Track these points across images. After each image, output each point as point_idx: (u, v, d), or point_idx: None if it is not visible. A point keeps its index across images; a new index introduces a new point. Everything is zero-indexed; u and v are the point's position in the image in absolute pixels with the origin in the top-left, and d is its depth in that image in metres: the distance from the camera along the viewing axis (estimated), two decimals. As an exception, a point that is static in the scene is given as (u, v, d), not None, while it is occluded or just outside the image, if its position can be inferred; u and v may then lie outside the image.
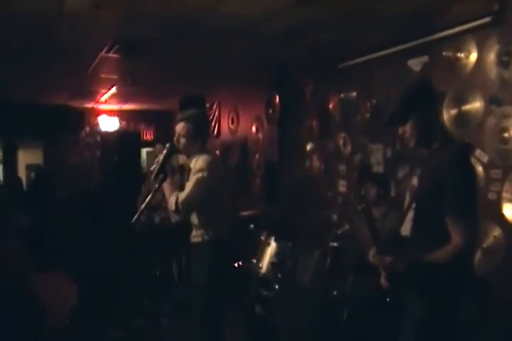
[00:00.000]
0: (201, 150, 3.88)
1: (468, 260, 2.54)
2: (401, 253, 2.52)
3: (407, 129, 2.59)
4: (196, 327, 3.96)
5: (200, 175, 3.70)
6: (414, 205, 2.65)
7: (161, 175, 3.76)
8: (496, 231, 3.84)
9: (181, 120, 3.93)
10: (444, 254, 2.40)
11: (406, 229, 2.71)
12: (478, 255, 3.82)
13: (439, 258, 2.40)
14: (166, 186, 3.75)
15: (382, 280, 2.69)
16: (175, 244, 6.52)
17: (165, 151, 3.82)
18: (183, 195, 3.69)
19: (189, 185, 3.72)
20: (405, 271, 2.45)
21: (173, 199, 3.70)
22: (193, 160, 3.82)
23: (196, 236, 3.93)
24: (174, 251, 6.62)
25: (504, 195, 3.80)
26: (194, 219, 3.93)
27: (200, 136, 3.93)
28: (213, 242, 3.84)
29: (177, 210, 3.71)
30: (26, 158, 10.83)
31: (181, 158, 6.49)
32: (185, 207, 3.70)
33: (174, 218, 5.59)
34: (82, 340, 4.78)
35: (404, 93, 2.66)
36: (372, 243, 2.59)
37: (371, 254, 2.59)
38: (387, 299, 3.48)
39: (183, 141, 3.86)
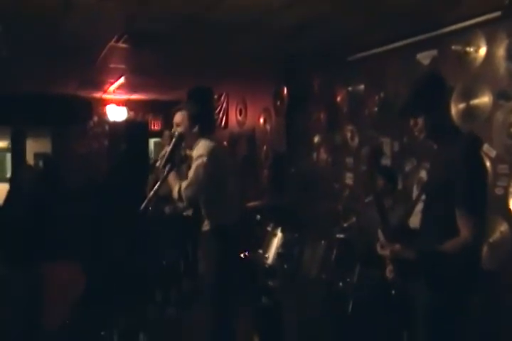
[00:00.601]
0: (201, 138, 3.87)
1: (477, 253, 2.57)
2: (410, 243, 2.55)
3: (419, 122, 2.61)
4: (205, 317, 4.03)
5: (199, 161, 3.72)
6: (423, 197, 2.67)
7: (169, 164, 3.80)
8: (503, 226, 3.86)
9: (177, 110, 3.95)
10: (452, 246, 2.43)
11: (414, 221, 2.74)
12: (484, 250, 3.81)
13: (447, 250, 2.43)
14: (171, 177, 3.77)
15: (388, 273, 2.73)
16: (183, 234, 6.57)
17: (174, 140, 3.84)
18: (184, 184, 3.73)
19: (190, 173, 3.75)
20: (413, 260, 2.49)
21: (176, 188, 3.75)
22: (195, 149, 3.84)
23: (205, 225, 3.98)
24: (181, 241, 6.67)
25: (511, 190, 3.82)
26: (202, 208, 3.99)
27: (198, 124, 3.90)
28: (218, 230, 3.89)
29: (180, 198, 3.75)
30: (35, 147, 10.86)
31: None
32: (187, 194, 3.73)
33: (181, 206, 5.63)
34: (88, 328, 4.82)
35: (416, 85, 2.69)
36: (381, 230, 2.62)
37: (379, 245, 2.62)
38: (393, 292, 3.53)
39: (179, 130, 3.84)
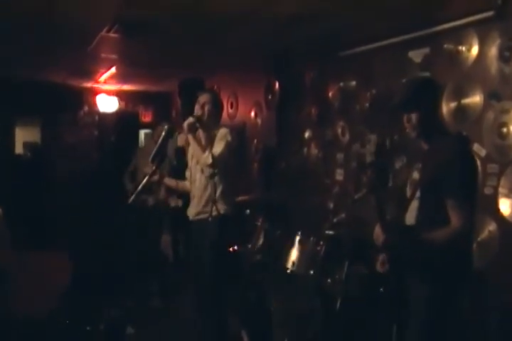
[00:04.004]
0: (219, 123, 4.21)
1: (467, 242, 2.65)
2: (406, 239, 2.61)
3: (412, 118, 2.71)
4: (196, 307, 4.12)
5: (229, 138, 3.99)
6: (418, 195, 2.74)
7: (159, 157, 3.85)
8: (491, 226, 3.88)
9: (204, 92, 4.21)
10: (440, 234, 2.55)
11: (409, 219, 2.78)
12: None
13: (436, 238, 2.55)
14: (194, 142, 3.97)
15: (379, 266, 2.81)
16: (171, 224, 6.59)
17: (163, 133, 3.91)
18: (218, 150, 3.91)
19: (219, 145, 3.96)
20: (404, 248, 2.59)
21: (207, 154, 3.88)
22: (217, 132, 4.07)
23: (202, 212, 4.05)
24: (171, 230, 6.69)
25: (500, 189, 3.83)
26: (200, 193, 4.08)
27: (220, 106, 4.24)
28: (223, 218, 4.00)
29: (214, 164, 3.87)
30: (23, 136, 10.79)
31: (180, 141, 6.54)
32: (220, 161, 3.89)
33: (175, 202, 5.65)
34: (76, 319, 4.82)
35: (411, 84, 2.85)
36: (379, 222, 2.70)
37: (376, 230, 2.67)
38: (381, 289, 3.57)
39: (208, 107, 4.05)
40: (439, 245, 2.55)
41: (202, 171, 4.02)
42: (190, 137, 3.98)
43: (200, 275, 4.10)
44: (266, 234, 4.92)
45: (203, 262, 4.04)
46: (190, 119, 3.96)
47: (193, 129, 3.97)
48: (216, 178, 3.95)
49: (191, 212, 4.19)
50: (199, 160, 3.98)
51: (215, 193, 3.96)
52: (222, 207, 3.99)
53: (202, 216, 4.05)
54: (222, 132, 4.03)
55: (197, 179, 4.15)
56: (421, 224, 2.69)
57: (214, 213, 3.94)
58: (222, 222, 3.99)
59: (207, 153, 3.88)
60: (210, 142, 4.01)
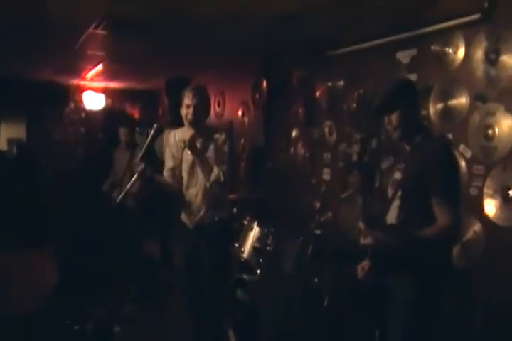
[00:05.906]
0: (209, 123, 4.03)
1: (456, 239, 2.69)
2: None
3: (393, 120, 2.78)
4: (189, 311, 4.08)
5: (228, 145, 3.89)
6: (399, 194, 2.78)
7: (148, 157, 3.80)
8: (476, 226, 3.92)
9: (194, 89, 3.93)
10: (432, 232, 2.56)
11: (389, 219, 2.81)
12: (457, 249, 3.90)
13: (427, 235, 2.56)
14: (199, 159, 3.77)
15: (359, 271, 2.84)
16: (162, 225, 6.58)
17: (152, 132, 3.81)
18: (224, 165, 3.79)
19: (222, 156, 3.84)
20: (395, 247, 2.60)
21: (218, 171, 3.74)
22: (214, 136, 3.90)
23: (198, 219, 3.94)
24: (161, 233, 6.69)
25: (485, 190, 3.88)
26: (198, 201, 3.92)
27: (208, 103, 4.00)
28: (220, 224, 3.92)
29: (224, 182, 3.76)
30: (8, 133, 10.71)
31: (166, 140, 6.50)
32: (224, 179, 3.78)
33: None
34: (63, 319, 4.80)
35: (392, 86, 2.88)
36: (362, 219, 2.77)
37: (361, 236, 2.69)
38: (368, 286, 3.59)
39: (194, 110, 3.82)
40: (428, 243, 2.58)
41: (208, 186, 3.81)
42: (194, 156, 3.78)
43: (194, 280, 4.01)
44: (253, 233, 4.92)
45: (200, 267, 3.95)
46: (191, 134, 3.78)
47: (194, 144, 3.75)
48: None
49: (186, 218, 4.03)
50: (205, 176, 3.78)
51: (213, 201, 3.87)
52: (219, 214, 3.91)
53: (198, 223, 3.93)
54: (221, 139, 3.88)
55: (192, 186, 3.94)
56: (402, 224, 2.72)
57: (211, 220, 3.88)
58: (219, 228, 3.90)
59: (216, 170, 3.73)
60: (209, 146, 3.88)
